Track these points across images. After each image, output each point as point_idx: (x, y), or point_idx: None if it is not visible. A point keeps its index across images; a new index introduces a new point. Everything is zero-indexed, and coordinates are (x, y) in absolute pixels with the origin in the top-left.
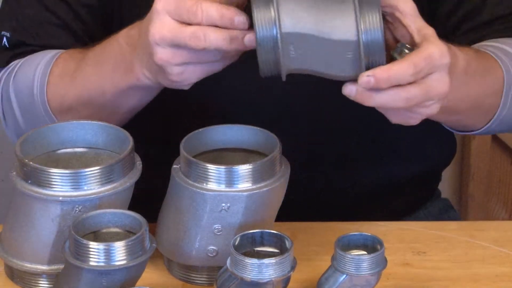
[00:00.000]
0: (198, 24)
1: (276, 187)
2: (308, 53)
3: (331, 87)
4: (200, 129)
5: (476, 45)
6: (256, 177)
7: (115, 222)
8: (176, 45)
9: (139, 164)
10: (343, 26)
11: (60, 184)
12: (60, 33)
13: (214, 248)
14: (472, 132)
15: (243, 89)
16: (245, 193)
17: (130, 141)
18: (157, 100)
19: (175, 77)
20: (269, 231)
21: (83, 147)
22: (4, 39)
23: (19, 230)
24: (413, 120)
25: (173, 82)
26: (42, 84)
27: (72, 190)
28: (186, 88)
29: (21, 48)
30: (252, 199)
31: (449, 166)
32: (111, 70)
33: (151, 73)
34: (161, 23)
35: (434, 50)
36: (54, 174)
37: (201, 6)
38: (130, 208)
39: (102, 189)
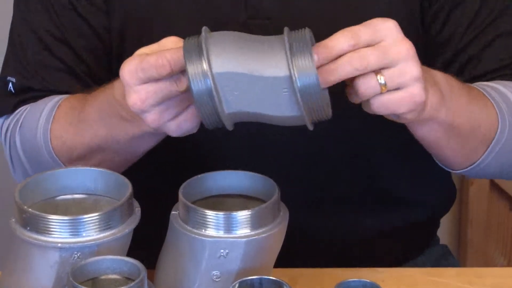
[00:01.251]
0: (170, 73)
1: (275, 233)
2: (245, 95)
3: (329, 131)
4: (199, 175)
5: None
6: (255, 223)
7: (114, 269)
8: (161, 103)
9: (137, 210)
10: (274, 64)
11: (58, 231)
12: (65, 77)
13: None
14: (472, 167)
15: (241, 134)
16: (243, 240)
17: (129, 188)
18: (155, 147)
19: (176, 132)
20: (268, 277)
21: (82, 194)
22: (10, 85)
23: (18, 276)
24: (399, 106)
25: (177, 133)
26: (45, 134)
27: (70, 236)
28: (195, 131)
29: (27, 93)
30: (250, 245)
31: (448, 213)
32: (119, 122)
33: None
34: (136, 93)
35: (374, 20)
36: (53, 220)
37: (165, 56)
38: (129, 253)
39: (101, 235)
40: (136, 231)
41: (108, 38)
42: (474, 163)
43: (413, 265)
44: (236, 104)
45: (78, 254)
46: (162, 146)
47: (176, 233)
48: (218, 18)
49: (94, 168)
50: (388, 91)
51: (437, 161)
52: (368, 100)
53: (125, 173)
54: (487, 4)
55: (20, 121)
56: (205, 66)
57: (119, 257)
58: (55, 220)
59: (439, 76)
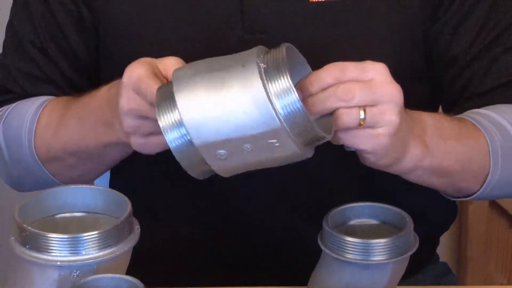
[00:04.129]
0: (151, 103)
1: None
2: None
3: (328, 145)
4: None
5: (462, 114)
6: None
7: (113, 287)
8: (143, 116)
9: (137, 228)
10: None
11: (58, 249)
12: (45, 87)
13: None
14: (471, 197)
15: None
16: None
17: (128, 206)
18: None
19: (138, 148)
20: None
21: (81, 212)
22: None
23: None
24: (365, 143)
25: (138, 149)
26: (30, 133)
27: (70, 255)
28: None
29: (7, 94)
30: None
31: (447, 231)
32: (93, 126)
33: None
34: (127, 97)
35: (365, 61)
36: (52, 239)
37: (151, 90)
38: (129, 271)
39: (100, 253)
40: (136, 249)
41: (94, 55)
42: (470, 195)
43: (413, 282)
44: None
45: (78, 273)
46: (157, 161)
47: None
48: (213, 33)
49: (93, 187)
50: (362, 127)
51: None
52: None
53: (126, 192)
54: (491, 21)
55: (3, 118)
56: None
57: (118, 275)
58: (55, 239)
59: (428, 122)
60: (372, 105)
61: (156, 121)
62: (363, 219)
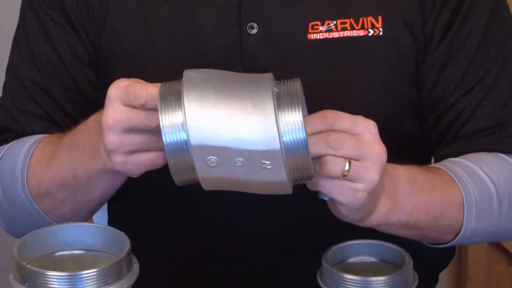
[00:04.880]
0: (143, 105)
1: None
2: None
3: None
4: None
5: (439, 163)
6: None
7: None
8: (128, 129)
9: (136, 266)
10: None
11: (57, 287)
12: (46, 125)
13: None
14: (446, 245)
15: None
16: None
17: (127, 243)
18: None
19: (118, 166)
20: None
21: (80, 250)
22: None
23: None
24: (343, 195)
25: (119, 168)
26: (23, 169)
27: None
28: (135, 176)
29: (6, 134)
30: None
31: (447, 268)
32: (82, 154)
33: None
34: (113, 109)
35: (357, 116)
36: (51, 277)
37: (147, 89)
38: None
39: None
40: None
41: (93, 90)
42: (445, 244)
43: None
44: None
45: None
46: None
47: None
48: (214, 68)
49: (92, 224)
50: (344, 179)
51: None
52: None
53: (126, 230)
54: (476, 63)
55: (0, 156)
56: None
57: None
58: (53, 276)
59: (402, 175)
60: (357, 160)
61: (140, 134)
62: (362, 257)
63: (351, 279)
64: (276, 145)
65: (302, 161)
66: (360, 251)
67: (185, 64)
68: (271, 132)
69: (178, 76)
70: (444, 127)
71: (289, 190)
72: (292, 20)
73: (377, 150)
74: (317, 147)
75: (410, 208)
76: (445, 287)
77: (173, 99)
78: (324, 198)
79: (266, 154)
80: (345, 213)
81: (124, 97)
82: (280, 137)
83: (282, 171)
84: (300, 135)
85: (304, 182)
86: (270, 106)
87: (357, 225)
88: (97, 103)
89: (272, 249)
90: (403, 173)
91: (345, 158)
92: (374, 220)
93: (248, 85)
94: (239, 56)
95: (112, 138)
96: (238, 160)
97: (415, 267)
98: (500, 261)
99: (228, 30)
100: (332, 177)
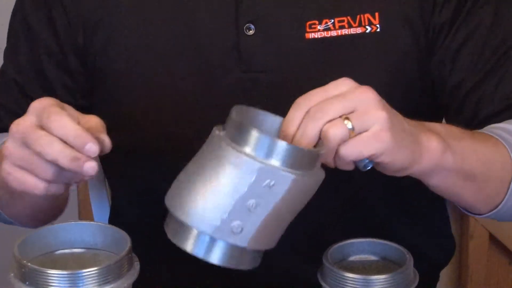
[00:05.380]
0: (51, 130)
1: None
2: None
3: (326, 179)
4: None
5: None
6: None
7: None
8: (25, 143)
9: (136, 264)
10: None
11: (57, 285)
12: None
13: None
14: (496, 211)
15: None
16: None
17: (128, 242)
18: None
19: (4, 174)
20: None
21: (81, 248)
22: None
23: None
24: (369, 147)
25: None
26: None
27: None
28: (17, 192)
29: None
30: None
31: (447, 267)
32: None
33: None
34: (23, 121)
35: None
36: (52, 275)
37: (62, 116)
38: None
39: None
40: (135, 285)
41: (70, 96)
42: (498, 206)
43: None
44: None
45: None
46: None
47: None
48: (210, 72)
49: (93, 223)
50: (356, 134)
51: (459, 208)
52: (337, 151)
53: (125, 227)
54: (490, 45)
55: None
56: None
57: None
58: (54, 275)
59: (436, 125)
60: (351, 112)
61: (34, 156)
62: (363, 255)
63: (352, 277)
64: (255, 163)
65: (282, 150)
66: (360, 249)
67: (183, 66)
68: (242, 161)
69: (175, 76)
70: (470, 112)
71: (314, 178)
72: (289, 19)
73: (362, 92)
74: (308, 130)
75: (461, 152)
76: (445, 286)
77: (174, 222)
78: (366, 166)
79: (258, 177)
80: (388, 161)
81: (38, 111)
82: (248, 154)
83: (284, 174)
84: (257, 136)
85: (317, 162)
86: (224, 146)
87: (416, 176)
88: (89, 108)
89: (272, 248)
90: (438, 124)
91: (340, 117)
92: (429, 161)
93: (203, 154)
94: (237, 58)
95: (9, 145)
96: (250, 203)
97: (415, 266)
98: (500, 260)
99: (225, 31)
100: (343, 140)
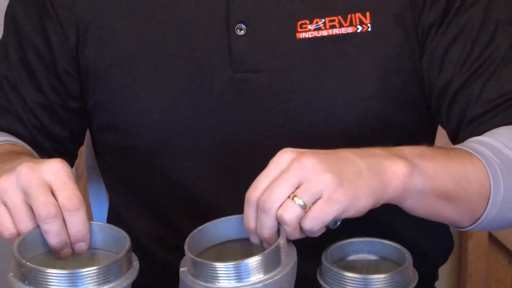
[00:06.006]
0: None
1: (288, 272)
2: None
3: None
4: (201, 227)
5: (458, 145)
6: (266, 267)
7: None
8: (25, 190)
9: (136, 264)
10: None
11: (57, 285)
12: (12, 120)
13: None
14: (478, 222)
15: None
16: (259, 285)
17: (127, 241)
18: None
19: None
20: None
21: None
22: None
23: None
24: (333, 210)
25: None
26: None
27: None
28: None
29: None
30: None
31: (446, 265)
32: None
33: None
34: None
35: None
36: (51, 274)
37: (77, 195)
38: None
39: None
40: (135, 285)
41: (57, 97)
42: (478, 219)
43: None
44: None
45: None
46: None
47: None
48: (203, 72)
49: (92, 222)
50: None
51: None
52: (301, 228)
53: (124, 227)
54: (480, 44)
55: None
56: None
57: None
58: (54, 274)
59: (404, 148)
60: (298, 187)
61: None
62: (362, 255)
63: (351, 277)
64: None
65: (251, 264)
66: (360, 249)
67: (174, 67)
68: None
69: (167, 76)
70: (458, 113)
71: (288, 266)
72: (280, 19)
73: (299, 161)
74: (264, 222)
75: (432, 172)
76: (445, 284)
77: None
78: (335, 224)
79: None
80: (358, 211)
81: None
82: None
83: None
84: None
85: (281, 254)
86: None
87: (393, 203)
88: (82, 110)
89: None
90: (408, 148)
91: (288, 198)
92: (395, 185)
93: None
94: (228, 58)
95: (2, 181)
96: None
97: (414, 265)
98: (500, 258)
99: (216, 32)
100: (299, 218)
